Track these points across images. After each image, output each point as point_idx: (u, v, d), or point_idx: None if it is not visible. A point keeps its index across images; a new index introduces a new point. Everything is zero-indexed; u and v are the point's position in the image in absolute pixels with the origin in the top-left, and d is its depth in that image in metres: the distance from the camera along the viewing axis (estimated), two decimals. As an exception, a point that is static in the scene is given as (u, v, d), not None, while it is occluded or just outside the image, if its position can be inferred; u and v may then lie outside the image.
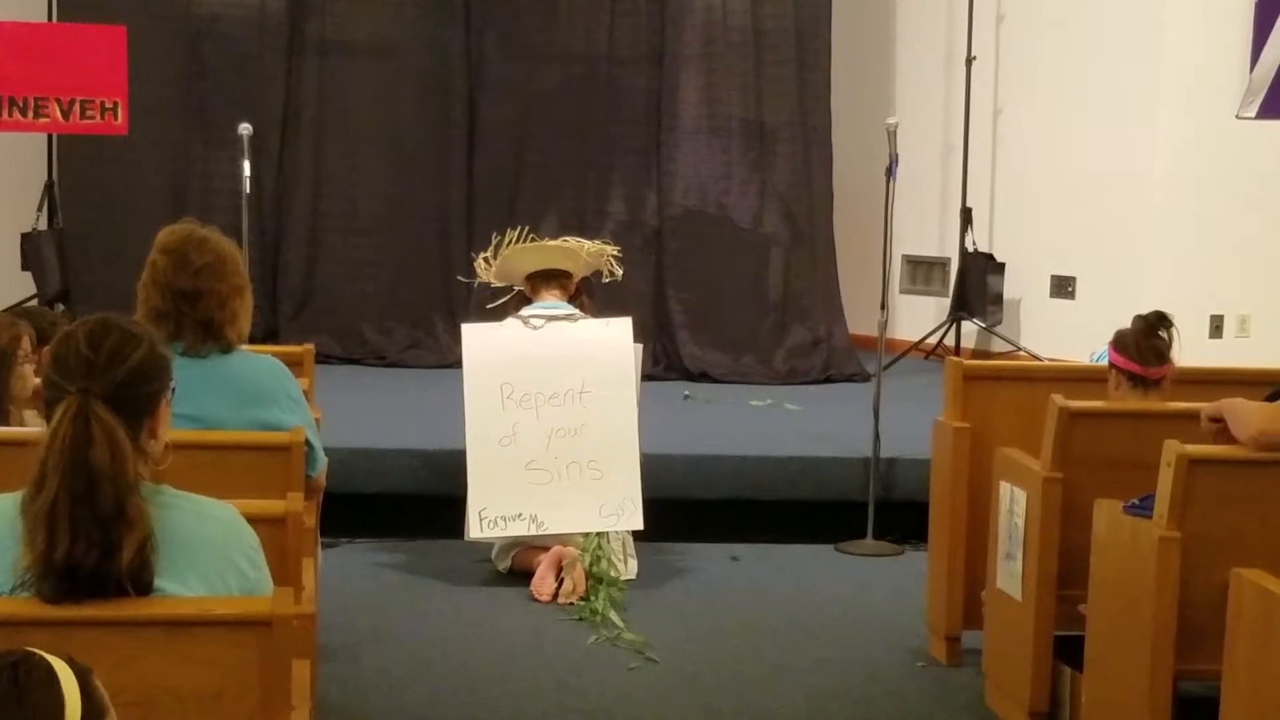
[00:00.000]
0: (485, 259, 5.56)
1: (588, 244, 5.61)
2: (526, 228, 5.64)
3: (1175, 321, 4.06)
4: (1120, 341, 4.08)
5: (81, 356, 2.26)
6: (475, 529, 5.21)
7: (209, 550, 2.30)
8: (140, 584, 2.20)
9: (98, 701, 1.69)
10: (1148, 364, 4.02)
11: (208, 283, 3.54)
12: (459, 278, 6.64)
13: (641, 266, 7.86)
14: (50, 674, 1.66)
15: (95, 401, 2.21)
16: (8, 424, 3.57)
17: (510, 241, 5.52)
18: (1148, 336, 4.03)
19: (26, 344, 3.75)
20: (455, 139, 8.31)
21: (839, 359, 8.22)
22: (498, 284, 5.62)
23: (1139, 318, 4.07)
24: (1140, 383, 4.03)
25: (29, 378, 3.68)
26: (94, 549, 2.16)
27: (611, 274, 5.66)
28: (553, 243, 5.58)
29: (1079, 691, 3.76)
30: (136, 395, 2.28)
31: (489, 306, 5.74)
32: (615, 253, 5.66)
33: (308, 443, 3.50)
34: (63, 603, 2.17)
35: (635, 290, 7.38)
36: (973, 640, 4.43)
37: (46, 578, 2.17)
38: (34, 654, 1.68)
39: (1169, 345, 4.04)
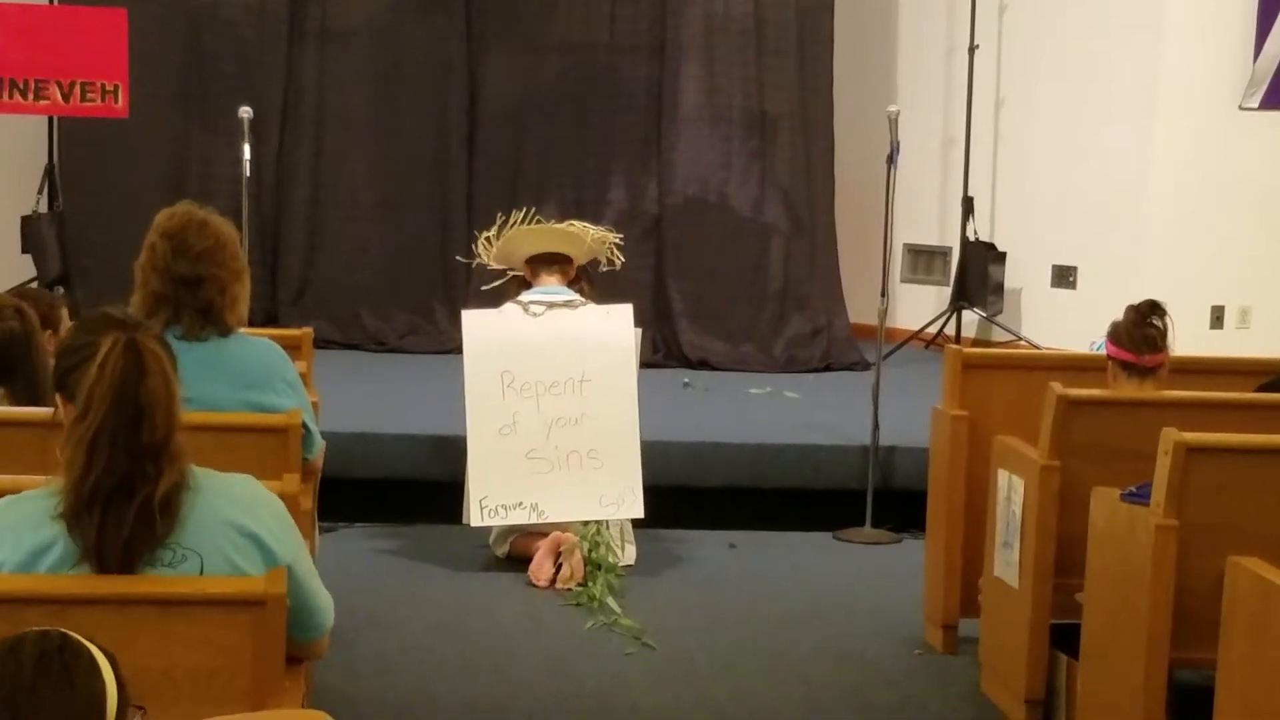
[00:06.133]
0: (487, 239, 5.53)
1: (593, 229, 5.58)
2: (533, 209, 5.61)
3: (1169, 310, 4.05)
4: (1114, 332, 4.08)
5: (114, 319, 2.46)
6: (475, 517, 5.20)
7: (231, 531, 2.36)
8: (169, 513, 2.26)
9: (125, 686, 1.70)
10: (1140, 352, 4.02)
11: (208, 268, 3.53)
12: (457, 257, 6.63)
13: (641, 255, 7.84)
14: (93, 660, 1.68)
15: (145, 338, 2.31)
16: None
17: (515, 223, 5.50)
18: (1139, 325, 4.03)
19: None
20: (455, 126, 8.29)
21: (839, 348, 8.21)
22: (496, 266, 5.59)
23: (1131, 307, 4.07)
24: (1135, 371, 4.03)
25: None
26: (131, 475, 2.23)
27: (611, 262, 5.64)
28: (557, 225, 5.55)
29: (1075, 680, 3.76)
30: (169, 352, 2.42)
31: (484, 288, 5.72)
32: (618, 240, 5.64)
33: (304, 425, 3.49)
34: (95, 530, 2.22)
35: (635, 278, 7.36)
36: (969, 628, 4.44)
37: (79, 503, 2.23)
38: (70, 636, 1.69)
39: (1163, 333, 4.03)
